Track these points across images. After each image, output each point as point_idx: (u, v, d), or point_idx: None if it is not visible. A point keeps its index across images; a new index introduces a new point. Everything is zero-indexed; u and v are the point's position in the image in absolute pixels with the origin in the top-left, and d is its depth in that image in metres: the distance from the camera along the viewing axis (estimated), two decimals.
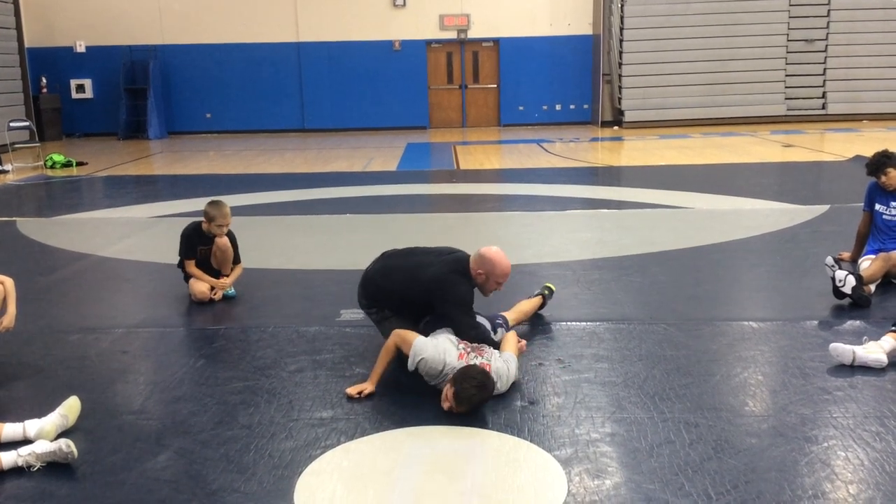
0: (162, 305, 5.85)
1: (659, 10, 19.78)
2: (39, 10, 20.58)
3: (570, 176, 12.44)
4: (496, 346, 4.35)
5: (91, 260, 7.34)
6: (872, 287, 5.54)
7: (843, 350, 4.31)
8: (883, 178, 5.90)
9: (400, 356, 4.15)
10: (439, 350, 4.02)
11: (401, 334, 4.16)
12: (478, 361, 4.00)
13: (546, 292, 5.36)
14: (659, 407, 3.87)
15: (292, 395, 4.11)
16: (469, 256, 4.51)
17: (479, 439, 3.61)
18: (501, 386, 4.00)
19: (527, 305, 5.17)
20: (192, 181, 12.79)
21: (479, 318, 4.54)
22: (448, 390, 3.80)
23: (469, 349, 4.11)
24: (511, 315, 4.93)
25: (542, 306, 5.30)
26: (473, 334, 4.30)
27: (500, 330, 4.60)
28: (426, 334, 4.28)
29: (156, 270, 6.86)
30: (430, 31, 21.06)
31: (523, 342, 4.56)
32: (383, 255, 4.81)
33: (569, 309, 5.46)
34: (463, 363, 3.96)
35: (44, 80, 20.36)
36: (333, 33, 20.82)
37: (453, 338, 4.21)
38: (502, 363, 4.09)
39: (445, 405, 3.81)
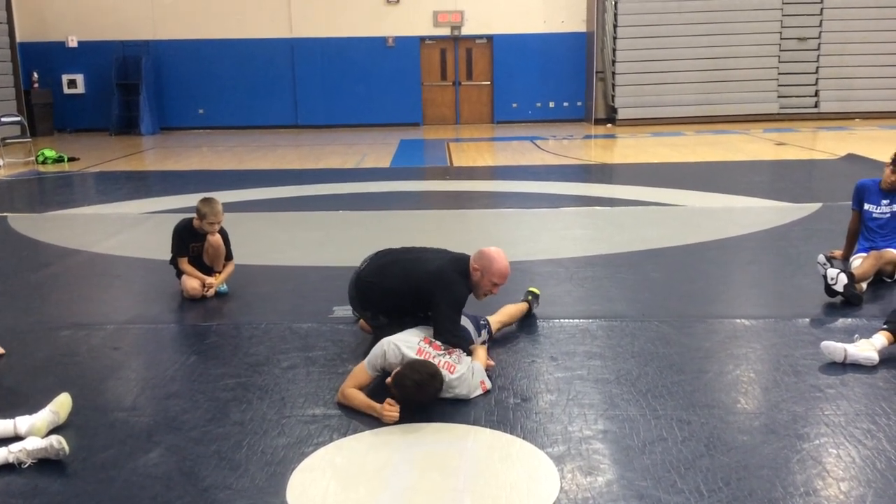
0: (153, 302, 5.83)
1: (653, 8, 19.79)
2: (31, 4, 20.46)
3: (563, 173, 12.44)
4: (469, 353, 4.25)
5: (82, 256, 7.31)
6: (864, 285, 5.56)
7: (834, 348, 4.33)
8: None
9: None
10: (395, 344, 3.97)
11: (350, 383, 3.99)
12: (445, 359, 3.95)
13: (530, 297, 5.24)
14: (651, 404, 3.87)
15: (285, 392, 4.10)
16: (469, 257, 4.49)
17: (472, 436, 3.61)
18: (462, 392, 3.92)
19: (512, 309, 5.05)
20: (184, 177, 12.74)
21: (464, 319, 4.46)
22: (395, 372, 3.80)
23: (433, 346, 4.04)
24: (496, 319, 4.84)
25: (528, 313, 5.18)
26: (454, 341, 4.19)
27: (483, 332, 4.57)
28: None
29: (147, 267, 6.84)
30: (424, 28, 21.02)
31: (492, 363, 4.39)
32: (376, 254, 4.74)
33: (561, 306, 5.46)
34: (420, 358, 3.90)
35: (35, 75, 20.25)
36: (327, 29, 20.77)
37: (417, 336, 4.10)
38: (468, 370, 3.99)
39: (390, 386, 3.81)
